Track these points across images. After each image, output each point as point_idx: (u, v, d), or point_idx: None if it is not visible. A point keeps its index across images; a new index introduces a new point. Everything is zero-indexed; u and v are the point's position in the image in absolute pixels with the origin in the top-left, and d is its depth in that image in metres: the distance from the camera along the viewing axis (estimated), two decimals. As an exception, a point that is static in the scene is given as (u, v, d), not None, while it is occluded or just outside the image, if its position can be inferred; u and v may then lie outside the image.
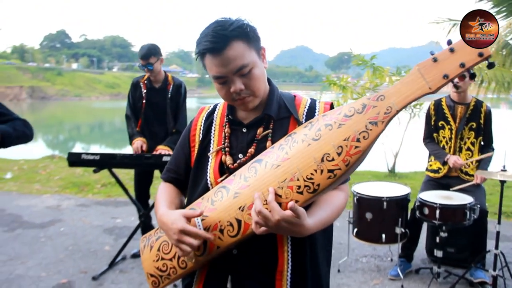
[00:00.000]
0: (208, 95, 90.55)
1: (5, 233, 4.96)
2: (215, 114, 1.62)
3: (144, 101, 4.08)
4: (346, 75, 9.79)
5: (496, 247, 3.35)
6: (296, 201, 1.25)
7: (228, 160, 1.49)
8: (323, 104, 1.52)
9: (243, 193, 1.34)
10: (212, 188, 1.46)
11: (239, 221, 1.33)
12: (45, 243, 4.63)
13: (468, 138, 3.76)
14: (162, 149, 3.87)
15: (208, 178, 1.50)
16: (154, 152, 3.87)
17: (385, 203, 3.51)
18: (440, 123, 3.85)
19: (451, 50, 1.19)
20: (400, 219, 3.55)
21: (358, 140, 1.23)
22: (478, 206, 3.44)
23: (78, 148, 19.40)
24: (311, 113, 1.49)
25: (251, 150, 1.47)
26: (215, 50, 1.35)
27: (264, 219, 1.21)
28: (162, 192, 1.63)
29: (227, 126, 1.55)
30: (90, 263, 4.10)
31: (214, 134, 1.57)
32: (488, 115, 3.75)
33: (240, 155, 1.48)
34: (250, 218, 1.29)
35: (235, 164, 1.47)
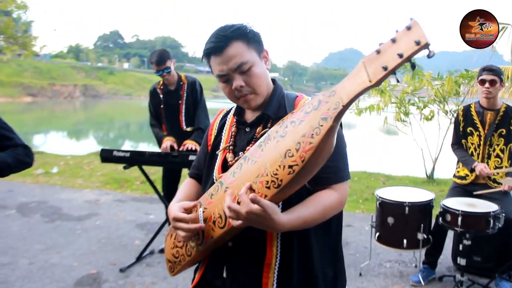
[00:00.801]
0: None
1: (45, 224, 5.24)
2: (228, 116, 1.74)
3: (162, 106, 4.25)
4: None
5: (522, 258, 3.26)
6: (265, 196, 1.30)
7: (230, 157, 1.59)
8: None
9: (231, 187, 1.42)
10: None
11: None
12: (80, 235, 4.87)
13: (498, 145, 3.67)
14: (189, 143, 3.99)
15: (214, 174, 1.62)
16: (182, 147, 4.01)
17: (407, 208, 3.48)
18: (469, 129, 3.77)
19: (393, 41, 1.12)
20: (422, 225, 3.51)
21: (312, 136, 1.24)
22: (503, 214, 3.35)
23: (127, 145, 19.93)
24: None
25: (249, 148, 1.55)
26: (216, 49, 1.47)
27: (235, 213, 1.30)
28: (182, 187, 1.80)
29: (234, 126, 1.66)
30: (119, 256, 4.28)
31: (224, 134, 1.69)
32: (519, 121, 3.64)
33: (241, 153, 1.57)
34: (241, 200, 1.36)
35: (233, 161, 1.57)
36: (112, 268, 4.01)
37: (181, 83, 4.24)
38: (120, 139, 23.46)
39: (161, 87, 4.28)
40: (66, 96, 66.44)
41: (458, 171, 3.89)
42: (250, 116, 1.63)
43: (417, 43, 1.07)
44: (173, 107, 4.24)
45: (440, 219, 3.50)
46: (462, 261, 3.45)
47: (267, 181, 1.31)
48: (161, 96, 4.26)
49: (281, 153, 1.30)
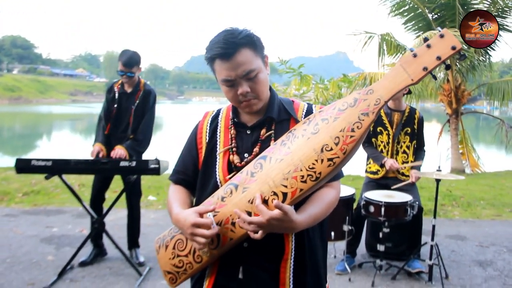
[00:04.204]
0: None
1: None
2: (219, 118, 1.75)
3: (115, 105, 4.10)
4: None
5: (432, 239, 3.73)
6: (301, 189, 1.41)
7: (236, 159, 1.62)
8: (319, 107, 1.68)
9: (251, 188, 1.47)
10: (222, 185, 1.58)
11: (249, 213, 1.45)
12: (-22, 257, 4.34)
13: (404, 142, 4.13)
14: (119, 149, 3.87)
15: (217, 176, 1.63)
16: (112, 152, 3.88)
17: (334, 203, 3.75)
18: (379, 128, 4.19)
19: (428, 46, 1.36)
20: (347, 217, 3.82)
21: (352, 130, 1.39)
22: (417, 203, 3.81)
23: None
24: (309, 115, 1.64)
25: (256, 149, 1.61)
26: (225, 55, 1.50)
27: (258, 225, 1.38)
28: (173, 194, 1.73)
29: (232, 128, 1.68)
30: (35, 275, 3.92)
31: (220, 136, 1.70)
32: (421, 120, 4.15)
33: (246, 155, 1.62)
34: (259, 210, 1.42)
35: (242, 163, 1.60)
36: (31, 288, 3.68)
37: (138, 89, 4.12)
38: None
39: (119, 86, 4.13)
40: None
41: (369, 167, 4.29)
42: (247, 119, 1.68)
43: (453, 48, 1.36)
44: (124, 110, 4.10)
45: (363, 210, 3.85)
46: (381, 247, 3.84)
47: (302, 176, 1.41)
48: (116, 95, 4.10)
49: (315, 149, 1.42)
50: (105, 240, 4.24)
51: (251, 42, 1.53)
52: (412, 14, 11.08)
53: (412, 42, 10.39)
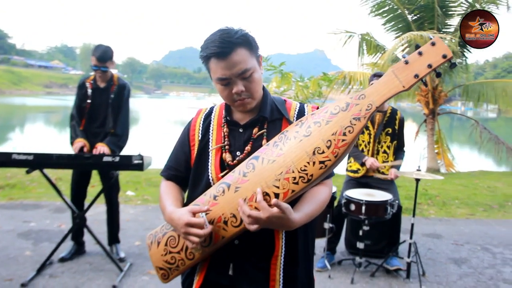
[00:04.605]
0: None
1: None
2: (212, 115, 1.77)
3: (88, 101, 4.04)
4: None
5: (411, 237, 3.82)
6: (293, 191, 1.44)
7: (228, 157, 1.65)
8: (310, 107, 1.72)
9: (243, 187, 1.50)
10: (214, 183, 1.61)
11: None
12: (-46, 251, 4.26)
13: (385, 142, 4.20)
14: (101, 147, 3.84)
15: (209, 174, 1.65)
16: (94, 149, 3.84)
17: (316, 201, 3.80)
18: (361, 128, 4.24)
19: (420, 54, 1.39)
20: (328, 215, 3.87)
21: (344, 134, 1.42)
22: (397, 202, 3.89)
23: None
24: (301, 115, 1.69)
25: (248, 148, 1.63)
26: (222, 54, 1.52)
27: (255, 220, 1.41)
28: (166, 190, 1.75)
29: (225, 126, 1.70)
30: (13, 270, 3.86)
31: (212, 133, 1.72)
32: (402, 121, 4.23)
33: (238, 153, 1.65)
34: (251, 209, 1.44)
35: (234, 161, 1.63)
36: (9, 284, 3.60)
37: (112, 83, 4.09)
38: None
39: (91, 82, 4.09)
40: None
41: (350, 166, 4.35)
42: (240, 117, 1.71)
43: (444, 56, 1.39)
44: (99, 105, 4.06)
45: (343, 208, 3.91)
46: (360, 245, 3.90)
47: (294, 177, 1.44)
48: (89, 91, 4.05)
49: (307, 151, 1.44)
50: (85, 236, 4.21)
51: (247, 42, 1.56)
52: (392, 15, 11.22)
53: (392, 43, 10.54)
